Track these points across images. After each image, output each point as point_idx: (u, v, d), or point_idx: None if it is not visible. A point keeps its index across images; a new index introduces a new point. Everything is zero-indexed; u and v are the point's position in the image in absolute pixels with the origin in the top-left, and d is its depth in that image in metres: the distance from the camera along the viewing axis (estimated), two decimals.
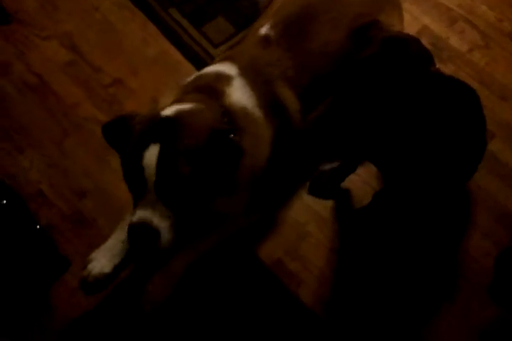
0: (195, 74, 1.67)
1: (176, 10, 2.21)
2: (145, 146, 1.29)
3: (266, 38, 1.61)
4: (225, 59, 1.65)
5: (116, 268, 1.67)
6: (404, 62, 1.26)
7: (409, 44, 1.30)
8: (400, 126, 1.30)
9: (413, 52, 1.29)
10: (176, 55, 2.14)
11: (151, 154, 1.28)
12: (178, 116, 1.36)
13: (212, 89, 1.50)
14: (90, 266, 1.64)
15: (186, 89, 1.56)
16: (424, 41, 1.61)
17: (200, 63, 2.07)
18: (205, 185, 1.34)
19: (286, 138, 1.63)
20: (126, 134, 1.37)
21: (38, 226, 1.55)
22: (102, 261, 1.65)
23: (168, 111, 1.39)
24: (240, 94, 1.51)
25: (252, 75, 1.54)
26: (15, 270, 1.56)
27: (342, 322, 1.73)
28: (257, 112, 1.52)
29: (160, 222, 1.31)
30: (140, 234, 1.32)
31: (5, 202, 1.48)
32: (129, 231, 1.34)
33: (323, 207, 1.91)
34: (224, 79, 1.53)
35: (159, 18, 2.19)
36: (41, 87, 2.03)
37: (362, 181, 1.95)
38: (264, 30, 1.63)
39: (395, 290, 1.78)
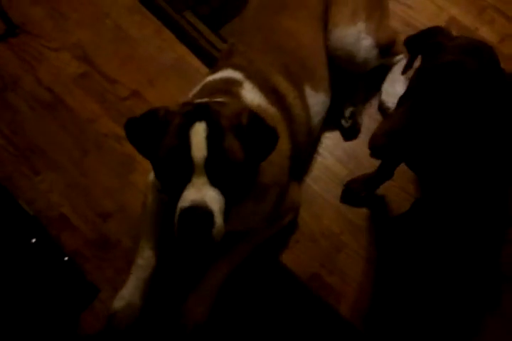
0: (200, 84, 1.61)
1: (191, 12, 2.10)
2: (189, 125, 1.23)
3: (249, 44, 1.66)
4: (225, 67, 1.62)
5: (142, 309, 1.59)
6: (487, 69, 1.18)
7: (485, 51, 1.22)
8: (455, 131, 1.23)
9: (491, 59, 1.21)
10: (194, 61, 2.04)
11: (198, 130, 1.22)
12: (214, 103, 1.33)
13: (228, 91, 1.49)
14: (117, 319, 1.56)
15: (197, 97, 1.51)
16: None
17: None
18: (250, 165, 1.29)
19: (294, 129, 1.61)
20: (159, 124, 1.28)
21: (66, 258, 1.46)
22: (127, 314, 1.56)
23: (199, 101, 1.36)
24: (252, 95, 1.51)
25: (255, 76, 1.56)
26: (44, 302, 1.49)
27: (383, 336, 1.66)
28: (271, 108, 1.52)
29: (213, 205, 1.21)
30: (194, 218, 1.21)
31: (34, 240, 1.40)
32: (180, 217, 1.22)
33: (358, 215, 1.83)
34: (234, 83, 1.53)
35: (173, 22, 2.09)
36: (54, 103, 1.94)
37: (398, 187, 1.87)
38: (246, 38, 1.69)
39: (437, 301, 1.71)
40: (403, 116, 1.18)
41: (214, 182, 1.22)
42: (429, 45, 1.25)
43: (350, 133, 1.93)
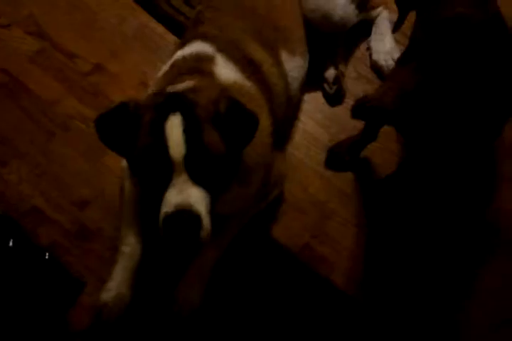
0: (168, 62, 1.47)
1: None
2: (163, 119, 1.12)
3: (218, 10, 1.54)
4: (194, 38, 1.48)
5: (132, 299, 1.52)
6: (493, 21, 1.10)
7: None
8: (464, 89, 1.14)
9: (495, 9, 1.12)
10: (158, 27, 1.90)
11: (174, 125, 1.12)
12: (187, 91, 1.21)
13: (200, 71, 1.36)
14: (106, 312, 1.49)
15: (167, 77, 1.39)
16: None
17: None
18: (232, 155, 1.20)
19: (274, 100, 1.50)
20: (130, 119, 1.17)
21: (46, 256, 1.39)
22: (117, 305, 1.49)
23: (171, 89, 1.24)
24: (226, 70, 1.39)
25: (227, 47, 1.44)
26: (30, 303, 1.44)
27: (378, 303, 1.63)
28: (248, 83, 1.40)
29: (199, 205, 1.13)
30: (180, 223, 1.14)
31: (11, 244, 1.31)
32: (165, 222, 1.15)
33: (344, 181, 1.77)
34: (205, 59, 1.40)
35: None
36: (11, 85, 1.79)
37: (382, 148, 1.79)
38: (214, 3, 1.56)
39: (431, 263, 1.67)
40: (412, 77, 1.08)
41: (196, 180, 1.13)
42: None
43: (335, 99, 1.82)
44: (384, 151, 1.78)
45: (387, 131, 1.64)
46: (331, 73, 1.79)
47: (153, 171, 1.14)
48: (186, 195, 1.12)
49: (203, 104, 1.15)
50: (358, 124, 1.73)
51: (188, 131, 1.11)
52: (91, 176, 1.69)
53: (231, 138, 1.16)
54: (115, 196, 1.64)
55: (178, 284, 1.54)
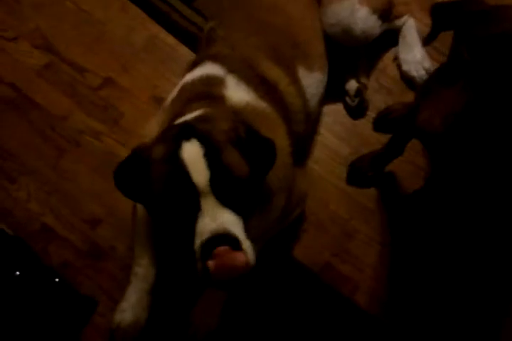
0: (176, 89, 1.39)
1: None
2: (178, 147, 1.04)
3: (231, 26, 1.47)
4: (204, 59, 1.41)
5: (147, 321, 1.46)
6: None
7: None
8: None
9: None
10: (169, 38, 1.84)
11: (192, 150, 1.03)
12: (199, 119, 1.13)
13: (210, 96, 1.28)
14: (120, 334, 1.44)
15: (176, 106, 1.31)
16: None
17: (197, 44, 1.76)
18: (256, 179, 1.12)
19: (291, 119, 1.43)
20: (144, 162, 1.08)
21: (56, 280, 1.32)
22: (131, 327, 1.44)
23: (182, 120, 1.16)
24: (238, 93, 1.31)
25: (239, 67, 1.36)
26: (42, 326, 1.36)
27: (401, 323, 1.57)
28: (262, 103, 1.32)
29: (235, 229, 1.03)
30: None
31: (18, 273, 1.25)
32: (203, 254, 1.02)
33: (367, 197, 1.70)
34: (215, 82, 1.33)
35: None
36: (18, 99, 1.73)
37: (407, 161, 1.72)
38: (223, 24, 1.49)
39: (457, 285, 1.61)
40: (461, 97, 1.01)
41: (225, 203, 1.05)
42: (468, 14, 1.06)
43: (357, 112, 1.77)
44: (409, 165, 1.72)
45: (411, 143, 1.58)
46: (352, 85, 1.74)
47: (178, 205, 1.05)
48: (220, 219, 1.03)
49: (220, 129, 1.08)
50: (382, 138, 1.69)
51: (208, 154, 1.03)
52: (103, 193, 1.63)
53: (254, 162, 1.09)
54: (128, 214, 1.59)
55: (195, 305, 1.48)
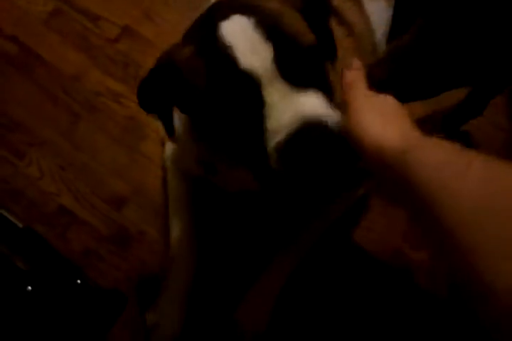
0: None
1: None
2: (212, 30, 0.76)
3: None
4: None
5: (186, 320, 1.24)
6: None
7: None
8: None
9: None
10: None
11: (234, 26, 0.75)
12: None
13: None
14: (157, 335, 1.22)
15: None
16: None
17: None
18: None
19: None
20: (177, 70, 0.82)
21: (78, 281, 1.10)
22: (169, 328, 1.22)
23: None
24: None
25: None
26: (65, 331, 1.15)
27: None
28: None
29: (319, 109, 0.74)
30: (307, 141, 0.72)
31: (30, 288, 1.03)
32: (282, 155, 0.73)
33: None
34: None
35: None
36: (22, 56, 1.45)
37: (485, 121, 1.42)
38: None
39: None
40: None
41: (298, 81, 0.75)
42: None
43: None
44: (488, 125, 1.42)
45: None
46: None
47: (231, 94, 0.75)
48: (296, 102, 0.74)
49: None
50: (460, 93, 1.39)
51: (262, 24, 0.74)
52: (127, 167, 1.38)
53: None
54: (158, 191, 1.35)
55: (242, 301, 1.25)
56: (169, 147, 1.29)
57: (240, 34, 0.74)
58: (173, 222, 1.28)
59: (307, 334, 1.28)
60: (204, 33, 0.77)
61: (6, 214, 1.17)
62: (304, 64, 0.75)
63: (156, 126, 1.36)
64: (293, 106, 0.73)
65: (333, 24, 1.03)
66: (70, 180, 1.37)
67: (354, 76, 0.72)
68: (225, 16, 0.75)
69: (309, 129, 0.71)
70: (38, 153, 1.38)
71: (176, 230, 1.25)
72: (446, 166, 0.51)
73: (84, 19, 1.48)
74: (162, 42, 1.46)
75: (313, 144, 0.71)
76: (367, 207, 1.36)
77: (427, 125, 1.40)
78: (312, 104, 0.74)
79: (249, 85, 0.73)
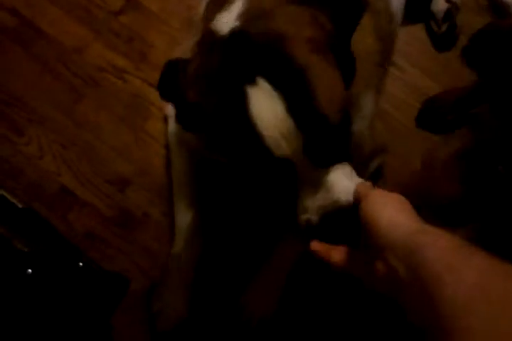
0: None
1: None
2: (241, 100, 0.69)
3: None
4: None
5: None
6: None
7: None
8: None
9: None
10: None
11: (264, 106, 0.69)
12: (250, 17, 0.77)
13: None
14: (161, 321, 1.20)
15: (210, 10, 0.92)
16: None
17: None
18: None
19: None
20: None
21: (80, 264, 1.06)
22: (173, 314, 1.19)
23: (224, 25, 0.80)
24: None
25: None
26: (66, 314, 1.12)
27: None
28: None
29: (345, 195, 0.75)
30: (331, 226, 0.77)
31: (30, 271, 0.98)
32: (309, 231, 0.79)
33: None
34: None
35: None
36: (22, 29, 1.38)
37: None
38: None
39: None
40: None
41: (327, 163, 0.74)
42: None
43: (444, 42, 1.39)
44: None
45: None
46: (440, 6, 1.35)
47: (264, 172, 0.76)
48: (325, 190, 0.74)
49: (293, 32, 0.71)
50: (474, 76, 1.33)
51: (292, 101, 0.68)
52: (131, 147, 1.32)
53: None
54: (163, 172, 1.30)
55: (249, 287, 1.21)
56: (172, 123, 1.23)
57: (271, 121, 0.68)
58: (177, 203, 1.23)
59: (313, 323, 1.25)
60: (227, 89, 0.71)
61: (5, 194, 1.11)
62: (332, 141, 0.73)
63: (161, 104, 1.30)
64: (324, 188, 0.74)
65: None
66: (72, 159, 1.31)
67: (364, 187, 0.75)
68: (250, 74, 0.69)
69: (339, 213, 0.74)
70: (38, 130, 1.32)
71: (180, 212, 1.20)
72: (454, 250, 0.55)
73: None
74: (167, 16, 1.40)
75: (340, 225, 0.75)
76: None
77: (440, 104, 1.34)
78: (341, 184, 0.74)
79: (281, 166, 0.72)
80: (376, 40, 1.02)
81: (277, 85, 0.68)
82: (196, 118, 0.76)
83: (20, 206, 1.10)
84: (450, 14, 1.35)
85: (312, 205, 0.75)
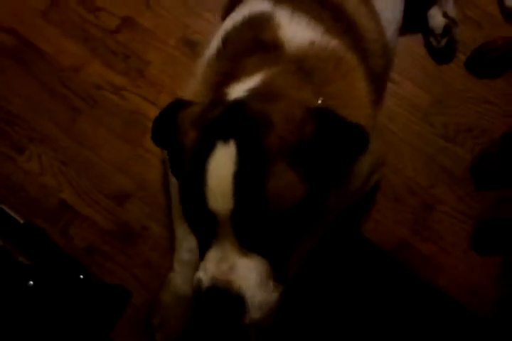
0: (216, 37, 1.05)
1: None
2: (209, 148, 0.77)
3: None
4: None
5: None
6: None
7: None
8: None
9: None
10: None
11: (221, 161, 0.76)
12: (252, 97, 0.82)
13: (261, 44, 0.95)
14: (162, 333, 1.21)
15: (222, 63, 0.99)
16: None
17: None
18: (317, 195, 0.81)
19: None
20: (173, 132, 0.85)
21: (81, 276, 1.08)
22: (174, 325, 1.21)
23: (235, 92, 0.85)
24: (297, 30, 0.97)
25: None
26: (67, 326, 1.14)
27: (493, 311, 1.31)
28: (329, 39, 0.97)
29: (244, 282, 0.79)
30: (216, 303, 0.81)
31: (31, 283, 1.01)
32: (198, 296, 0.83)
33: (454, 158, 1.39)
34: (263, 22, 0.98)
35: None
36: (21, 48, 1.42)
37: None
38: None
39: None
40: None
41: (250, 245, 0.79)
42: None
43: (444, 55, 1.42)
44: None
45: None
46: (439, 22, 1.38)
47: (192, 212, 0.82)
48: (228, 266, 0.79)
49: (279, 127, 0.77)
50: (474, 85, 1.37)
51: (242, 173, 0.74)
52: (130, 162, 1.35)
53: (321, 169, 0.80)
54: (161, 186, 1.32)
55: None
56: None
57: (219, 174, 0.75)
58: (176, 217, 1.25)
59: (313, 323, 1.27)
60: (205, 140, 0.78)
61: (6, 209, 1.14)
62: (263, 228, 0.77)
63: None
64: (223, 263, 0.78)
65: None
66: (71, 175, 1.34)
67: None
68: (228, 133, 0.76)
69: (215, 290, 0.79)
70: (37, 148, 1.35)
71: (179, 226, 1.22)
72: None
73: (82, 10, 1.44)
74: (162, 33, 1.43)
75: (212, 303, 0.80)
76: (374, 201, 1.34)
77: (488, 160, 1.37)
78: (239, 274, 0.78)
79: (210, 219, 0.77)
80: (370, 89, 1.03)
81: (242, 154, 0.75)
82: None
83: (21, 221, 1.12)
84: (449, 29, 1.38)
85: (210, 270, 0.79)
